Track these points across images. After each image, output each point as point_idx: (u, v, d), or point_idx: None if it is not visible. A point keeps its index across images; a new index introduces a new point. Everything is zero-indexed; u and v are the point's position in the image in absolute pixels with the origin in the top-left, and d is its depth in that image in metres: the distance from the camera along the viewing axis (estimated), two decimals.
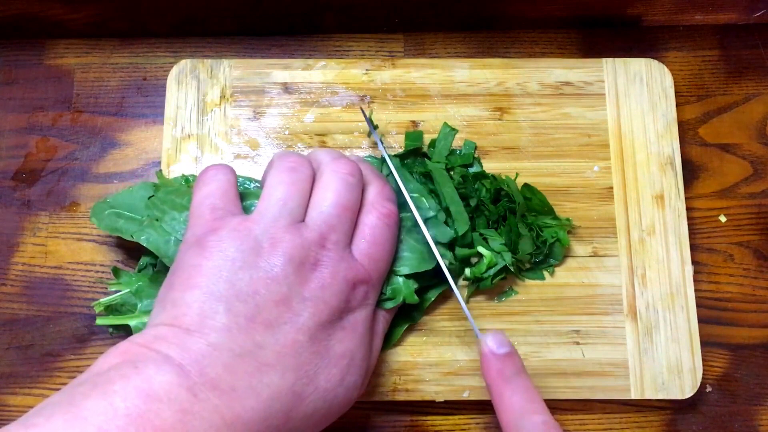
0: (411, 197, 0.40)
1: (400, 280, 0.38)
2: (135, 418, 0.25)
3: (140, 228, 0.38)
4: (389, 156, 0.42)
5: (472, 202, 0.41)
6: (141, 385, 0.26)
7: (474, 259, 0.42)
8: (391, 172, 0.41)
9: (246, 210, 0.36)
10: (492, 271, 0.41)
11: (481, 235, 0.42)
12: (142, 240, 0.38)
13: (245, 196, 0.37)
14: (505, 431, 0.33)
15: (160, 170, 0.43)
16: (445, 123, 0.45)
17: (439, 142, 0.45)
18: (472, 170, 0.44)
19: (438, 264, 0.38)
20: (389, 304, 0.38)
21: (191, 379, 0.27)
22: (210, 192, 0.34)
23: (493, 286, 0.42)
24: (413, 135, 0.45)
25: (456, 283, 0.39)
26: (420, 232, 0.39)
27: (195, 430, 0.26)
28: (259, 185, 0.41)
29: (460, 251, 0.40)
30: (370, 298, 0.35)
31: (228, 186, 0.35)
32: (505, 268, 0.41)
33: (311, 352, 0.31)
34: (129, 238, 0.39)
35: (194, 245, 0.32)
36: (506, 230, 0.42)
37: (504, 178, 0.44)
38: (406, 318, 0.41)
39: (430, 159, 0.44)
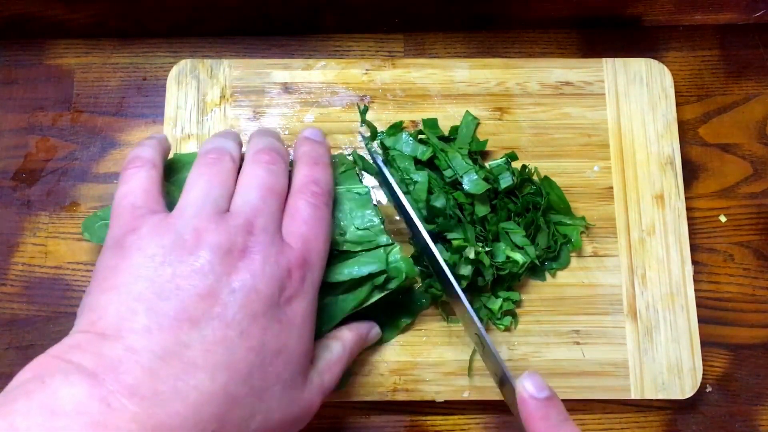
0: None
1: (398, 257, 0.38)
2: None
3: None
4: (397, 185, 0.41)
5: (498, 185, 0.42)
6: (45, 400, 0.24)
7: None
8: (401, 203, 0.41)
9: (176, 185, 0.35)
10: (523, 270, 0.41)
11: (504, 231, 0.42)
12: None
13: (179, 166, 0.37)
14: None
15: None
16: (467, 111, 0.45)
17: (461, 130, 0.45)
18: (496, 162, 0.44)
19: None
20: (392, 284, 0.37)
21: (105, 388, 0.25)
22: (129, 190, 0.33)
23: (520, 282, 0.42)
24: (430, 122, 0.45)
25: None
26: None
27: None
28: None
29: (487, 264, 0.40)
30: (308, 284, 0.32)
31: (149, 183, 0.33)
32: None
33: (244, 349, 0.28)
34: None
35: (112, 246, 0.31)
36: (526, 222, 0.42)
37: (533, 169, 0.44)
38: (395, 322, 0.42)
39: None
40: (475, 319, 0.37)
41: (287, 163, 0.36)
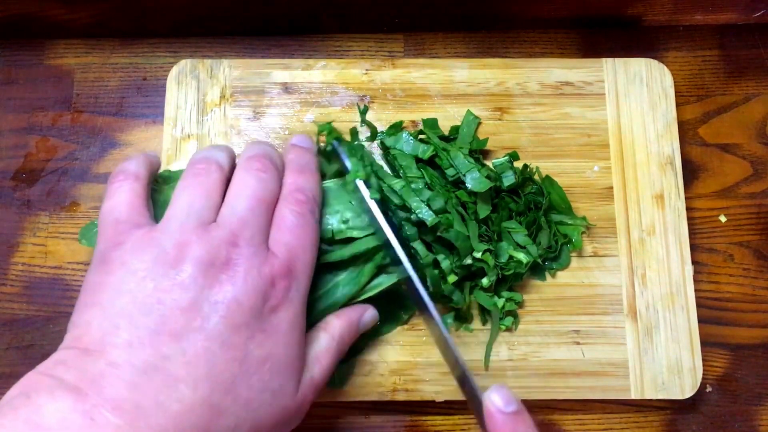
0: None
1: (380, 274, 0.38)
2: None
3: None
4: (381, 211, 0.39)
5: (501, 183, 0.42)
6: (30, 416, 0.25)
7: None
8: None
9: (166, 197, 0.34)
10: (526, 269, 0.41)
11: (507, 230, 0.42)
12: None
13: (168, 179, 0.37)
14: None
15: None
16: (468, 110, 0.45)
17: (462, 130, 0.45)
18: (500, 160, 0.44)
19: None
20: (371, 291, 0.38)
21: (88, 403, 0.26)
22: (113, 205, 0.33)
23: (522, 281, 0.42)
24: (430, 122, 0.45)
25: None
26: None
27: None
28: None
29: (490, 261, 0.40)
30: (293, 293, 0.32)
31: (133, 197, 0.33)
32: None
33: (226, 360, 0.29)
34: None
35: (98, 262, 0.31)
36: (528, 221, 0.42)
37: (534, 168, 0.44)
38: (394, 318, 0.42)
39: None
40: (439, 321, 0.36)
41: (280, 171, 0.35)
